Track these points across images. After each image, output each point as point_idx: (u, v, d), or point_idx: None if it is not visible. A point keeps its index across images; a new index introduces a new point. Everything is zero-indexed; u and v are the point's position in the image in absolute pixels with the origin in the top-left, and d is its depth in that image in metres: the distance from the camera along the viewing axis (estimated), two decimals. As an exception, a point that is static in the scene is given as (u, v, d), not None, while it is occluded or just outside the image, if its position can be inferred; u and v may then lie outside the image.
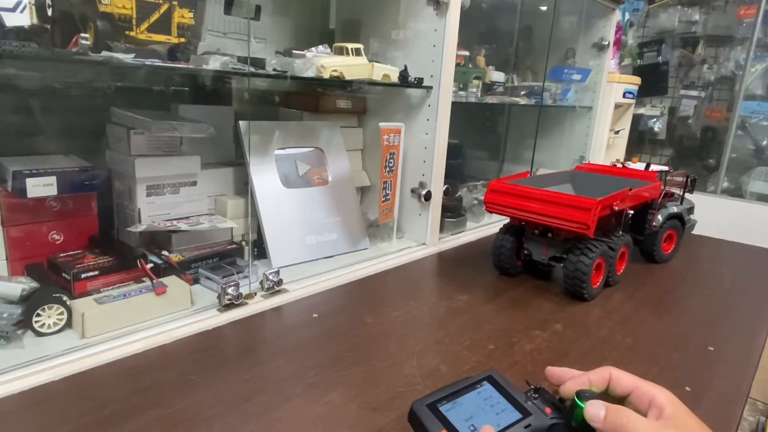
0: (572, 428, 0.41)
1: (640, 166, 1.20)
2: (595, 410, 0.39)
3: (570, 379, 0.44)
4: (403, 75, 1.05)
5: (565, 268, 0.89)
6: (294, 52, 0.97)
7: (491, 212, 0.96)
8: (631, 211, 1.01)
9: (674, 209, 1.13)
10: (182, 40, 0.76)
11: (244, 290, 0.80)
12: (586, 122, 1.86)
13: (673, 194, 1.17)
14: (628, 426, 0.37)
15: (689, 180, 1.18)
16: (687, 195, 1.20)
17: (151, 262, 0.82)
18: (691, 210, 1.22)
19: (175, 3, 0.74)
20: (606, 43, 1.75)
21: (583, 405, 0.40)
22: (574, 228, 0.85)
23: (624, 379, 0.42)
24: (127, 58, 0.67)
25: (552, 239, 0.93)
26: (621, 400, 0.42)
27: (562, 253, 0.92)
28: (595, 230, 0.83)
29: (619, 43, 2.00)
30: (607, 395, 0.43)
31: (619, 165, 1.23)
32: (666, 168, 1.18)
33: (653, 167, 1.18)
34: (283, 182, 0.99)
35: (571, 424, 0.41)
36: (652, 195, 1.06)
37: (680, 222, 1.16)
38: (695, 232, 1.39)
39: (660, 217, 1.09)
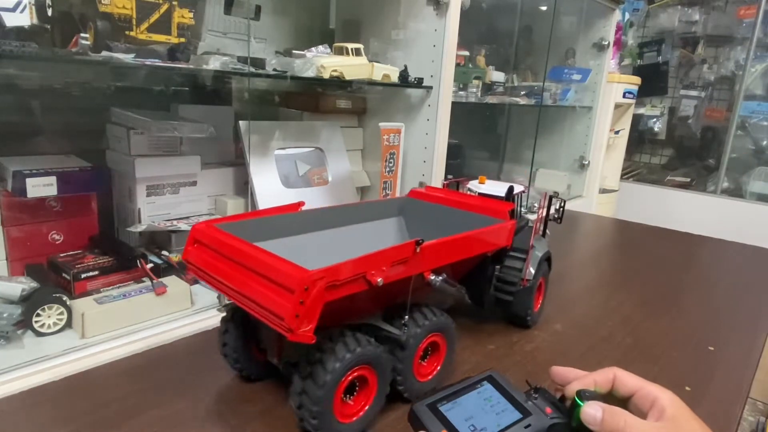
0: (573, 428, 0.41)
1: (493, 188, 0.74)
2: (592, 412, 0.39)
3: (575, 380, 0.44)
4: (403, 75, 1.05)
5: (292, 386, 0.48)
6: (294, 52, 0.97)
7: (197, 277, 0.56)
8: (438, 278, 0.54)
9: (545, 249, 0.75)
10: (182, 40, 0.76)
11: (244, 290, 0.80)
12: (586, 122, 1.86)
13: (527, 222, 0.75)
14: (626, 429, 0.37)
15: (552, 202, 0.75)
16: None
17: (151, 262, 0.82)
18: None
19: (175, 3, 0.74)
20: (606, 43, 1.75)
21: (583, 404, 0.40)
22: (270, 323, 0.44)
23: (628, 380, 0.42)
24: (127, 58, 0.67)
25: None
26: (625, 400, 0.42)
27: (300, 356, 0.48)
28: (331, 321, 0.46)
29: (619, 43, 2.00)
30: (611, 396, 0.43)
31: (465, 189, 0.78)
32: (522, 188, 0.76)
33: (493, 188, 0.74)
34: (283, 182, 0.99)
35: (571, 425, 0.41)
36: (493, 243, 0.64)
37: (548, 264, 0.78)
38: (695, 232, 1.38)
39: (532, 269, 0.71)
